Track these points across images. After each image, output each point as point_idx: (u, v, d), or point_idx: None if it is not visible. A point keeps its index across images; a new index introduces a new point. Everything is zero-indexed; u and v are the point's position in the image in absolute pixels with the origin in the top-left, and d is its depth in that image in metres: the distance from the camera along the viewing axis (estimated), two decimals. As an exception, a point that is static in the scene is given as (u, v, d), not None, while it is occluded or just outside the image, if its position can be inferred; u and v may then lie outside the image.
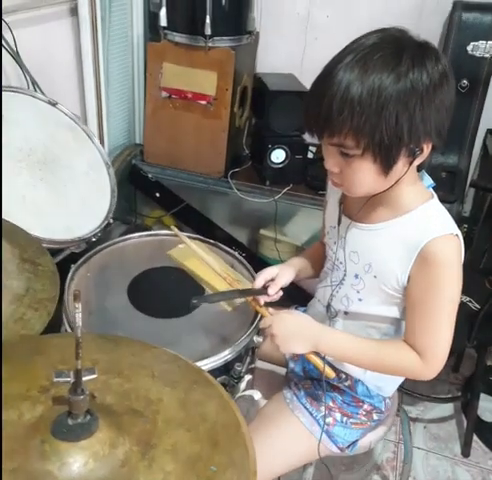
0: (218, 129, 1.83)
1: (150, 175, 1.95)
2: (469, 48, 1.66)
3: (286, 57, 2.02)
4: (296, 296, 1.30)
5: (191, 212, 1.95)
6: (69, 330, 0.98)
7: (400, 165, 0.79)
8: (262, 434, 1.03)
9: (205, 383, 0.71)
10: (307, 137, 1.41)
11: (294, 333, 0.92)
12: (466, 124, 1.73)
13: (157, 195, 1.97)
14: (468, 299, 1.49)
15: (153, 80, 1.82)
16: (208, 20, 1.62)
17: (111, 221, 1.39)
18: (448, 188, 1.66)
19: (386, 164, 0.78)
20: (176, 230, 1.24)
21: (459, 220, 1.52)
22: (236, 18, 1.71)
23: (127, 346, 0.75)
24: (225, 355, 1.00)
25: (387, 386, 1.04)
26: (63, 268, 1.20)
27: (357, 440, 1.07)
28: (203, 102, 1.80)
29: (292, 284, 1.08)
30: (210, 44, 1.68)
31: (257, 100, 1.91)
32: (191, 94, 1.81)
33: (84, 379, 0.55)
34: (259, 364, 1.22)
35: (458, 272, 0.84)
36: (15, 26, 1.38)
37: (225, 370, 1.03)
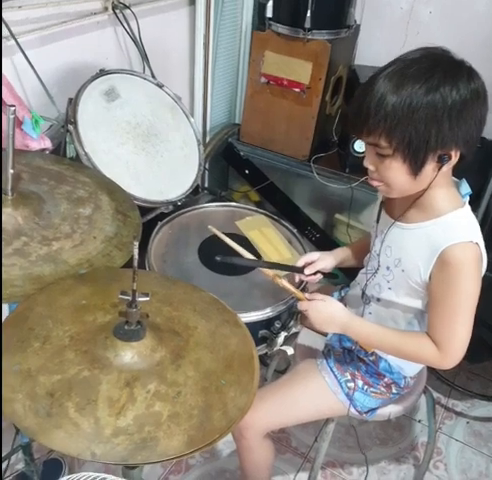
0: (308, 115, 1.96)
1: (242, 153, 2.15)
2: None
3: (386, 50, 2.06)
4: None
5: (274, 190, 2.12)
6: (148, 269, 1.22)
7: (429, 169, 0.89)
8: (291, 386, 1.20)
9: (235, 323, 0.90)
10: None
11: (326, 320, 1.05)
12: None
13: (246, 172, 2.17)
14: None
15: (255, 66, 1.99)
16: (308, 14, 1.75)
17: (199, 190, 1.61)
18: None
19: (414, 165, 0.88)
20: (214, 230, 1.16)
21: None
22: (335, 13, 1.81)
23: (181, 286, 0.96)
24: (267, 312, 1.18)
25: (407, 367, 1.15)
26: (152, 224, 1.45)
27: (377, 408, 1.20)
28: (297, 90, 1.95)
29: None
30: (309, 36, 1.81)
31: (349, 90, 2.01)
32: (287, 81, 1.95)
33: (139, 299, 0.77)
34: (304, 330, 1.39)
35: (473, 276, 0.92)
36: (140, 16, 1.63)
37: (267, 325, 1.22)
